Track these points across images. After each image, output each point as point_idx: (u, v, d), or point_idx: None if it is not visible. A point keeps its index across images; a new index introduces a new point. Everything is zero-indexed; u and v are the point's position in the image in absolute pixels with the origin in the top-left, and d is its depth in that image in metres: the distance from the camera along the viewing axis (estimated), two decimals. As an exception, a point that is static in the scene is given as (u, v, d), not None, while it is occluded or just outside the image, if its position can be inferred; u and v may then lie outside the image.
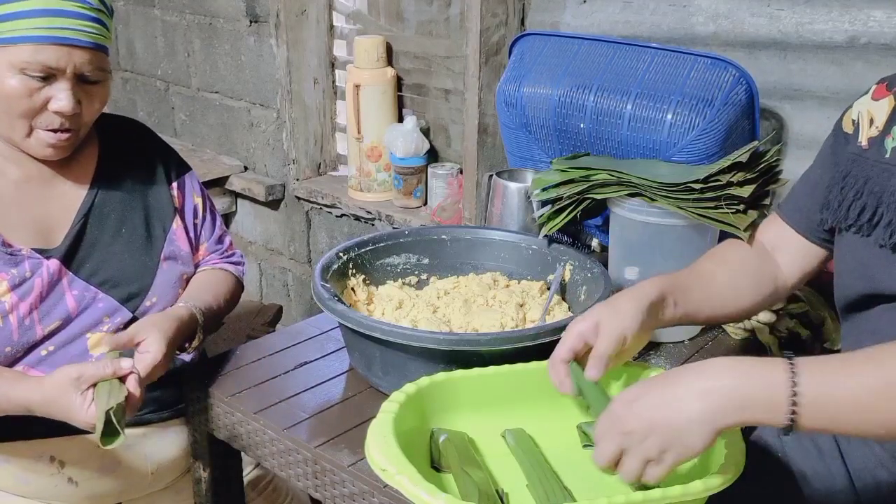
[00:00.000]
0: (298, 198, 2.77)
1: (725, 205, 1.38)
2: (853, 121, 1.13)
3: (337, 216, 2.68)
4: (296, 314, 2.96)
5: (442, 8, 2.38)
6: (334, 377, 1.36)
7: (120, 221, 1.41)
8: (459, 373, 1.14)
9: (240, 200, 3.02)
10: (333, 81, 2.74)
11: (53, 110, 1.26)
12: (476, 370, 1.15)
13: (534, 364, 1.17)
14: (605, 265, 1.50)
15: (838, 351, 1.20)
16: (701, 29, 1.81)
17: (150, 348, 1.23)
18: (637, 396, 0.92)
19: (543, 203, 1.55)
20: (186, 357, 1.44)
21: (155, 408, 1.42)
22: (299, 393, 1.31)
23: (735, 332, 1.48)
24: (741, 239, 1.28)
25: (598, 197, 1.49)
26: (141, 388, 1.19)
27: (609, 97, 1.58)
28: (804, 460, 1.14)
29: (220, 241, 1.56)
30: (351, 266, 1.45)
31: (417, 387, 1.10)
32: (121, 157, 1.44)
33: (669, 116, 1.52)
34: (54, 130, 1.28)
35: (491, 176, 1.71)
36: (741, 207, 1.39)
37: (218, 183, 2.89)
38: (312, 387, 1.32)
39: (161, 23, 3.12)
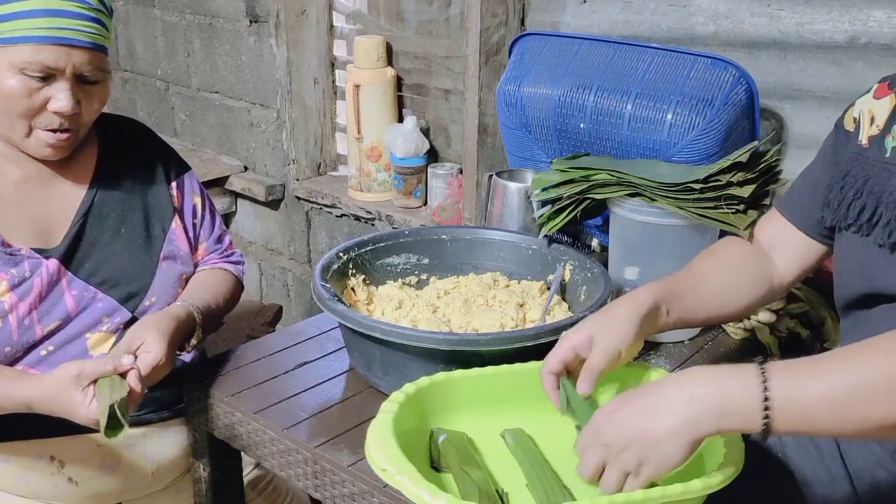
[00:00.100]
0: (298, 198, 2.77)
1: (725, 205, 1.38)
2: (854, 119, 1.12)
3: (337, 216, 2.68)
4: (296, 314, 2.96)
5: (442, 8, 2.38)
6: (334, 377, 1.36)
7: (119, 221, 1.41)
8: (458, 373, 1.14)
9: (240, 200, 3.02)
10: (333, 81, 2.74)
11: (53, 110, 1.26)
12: (475, 370, 1.15)
13: (532, 364, 1.17)
14: (605, 265, 1.49)
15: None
16: (701, 29, 1.81)
17: (151, 348, 1.23)
18: (616, 408, 0.93)
19: (543, 203, 1.55)
20: (186, 357, 1.44)
21: (155, 408, 1.42)
22: (299, 393, 1.31)
23: (735, 332, 1.48)
24: (739, 236, 1.28)
25: (598, 197, 1.49)
26: (142, 384, 1.20)
27: (609, 97, 1.58)
28: (804, 460, 1.13)
29: (219, 240, 1.56)
30: (351, 266, 1.45)
31: (417, 387, 1.10)
32: (120, 156, 1.44)
33: (669, 116, 1.52)
34: (53, 130, 1.28)
35: (491, 176, 1.71)
36: (741, 207, 1.39)
37: (218, 183, 2.89)
38: (312, 387, 1.32)
39: (161, 23, 3.12)
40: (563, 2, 2.01)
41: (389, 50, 2.50)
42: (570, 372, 1.10)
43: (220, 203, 2.95)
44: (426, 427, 1.11)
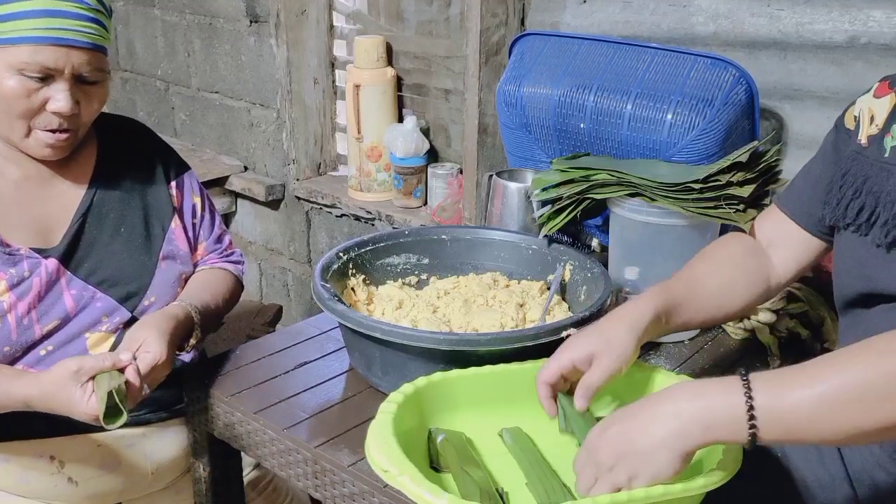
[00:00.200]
0: (298, 198, 2.77)
1: (726, 204, 1.38)
2: (855, 117, 1.12)
3: (337, 216, 2.68)
4: (296, 314, 2.96)
5: (442, 8, 2.38)
6: (334, 377, 1.36)
7: (118, 221, 1.41)
8: (456, 372, 1.15)
9: (240, 200, 3.03)
10: (333, 81, 2.74)
11: (52, 111, 1.26)
12: (472, 370, 1.15)
13: (530, 363, 1.17)
14: (605, 265, 1.49)
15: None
16: (701, 29, 1.81)
17: (150, 348, 1.23)
18: (607, 426, 0.94)
19: (543, 203, 1.55)
20: (186, 357, 1.44)
21: (155, 408, 1.42)
22: (299, 393, 1.31)
23: (735, 332, 1.48)
24: (742, 231, 1.28)
25: (598, 197, 1.49)
26: (142, 381, 1.20)
27: (609, 97, 1.58)
28: (803, 461, 1.13)
29: (219, 240, 1.56)
30: (351, 266, 1.45)
31: (415, 387, 1.10)
32: (119, 156, 1.44)
33: (669, 116, 1.52)
34: (53, 131, 1.28)
35: (491, 176, 1.71)
36: (741, 207, 1.39)
37: (218, 183, 2.89)
38: (312, 387, 1.32)
39: (161, 23, 3.12)
40: (563, 2, 2.01)
41: (389, 50, 2.50)
42: (565, 379, 1.10)
43: (220, 203, 2.95)
44: (424, 427, 1.11)
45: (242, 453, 1.40)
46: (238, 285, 1.56)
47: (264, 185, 2.80)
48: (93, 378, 1.17)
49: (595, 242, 1.79)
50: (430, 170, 2.43)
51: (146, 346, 1.24)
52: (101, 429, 1.36)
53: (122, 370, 1.19)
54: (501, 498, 1.01)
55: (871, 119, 1.09)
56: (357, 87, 2.44)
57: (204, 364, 1.43)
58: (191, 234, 1.50)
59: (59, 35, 1.22)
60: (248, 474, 1.58)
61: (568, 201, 1.51)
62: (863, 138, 1.09)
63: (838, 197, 1.09)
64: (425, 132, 2.46)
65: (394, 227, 2.44)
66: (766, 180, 1.45)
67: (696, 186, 1.38)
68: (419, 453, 1.07)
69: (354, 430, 1.20)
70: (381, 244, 1.51)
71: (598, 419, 1.05)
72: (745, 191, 1.38)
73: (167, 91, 3.22)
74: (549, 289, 1.47)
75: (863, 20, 1.61)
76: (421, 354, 1.19)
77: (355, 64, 2.47)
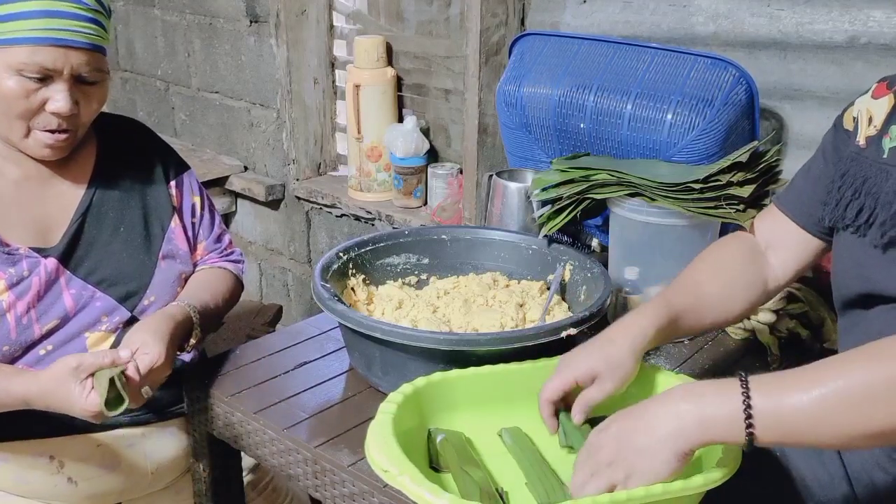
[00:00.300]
0: (298, 198, 2.77)
1: (726, 204, 1.38)
2: (854, 118, 1.12)
3: (337, 216, 2.68)
4: (296, 314, 2.96)
5: (442, 8, 2.38)
6: (334, 377, 1.36)
7: (118, 220, 1.41)
8: (455, 372, 1.15)
9: (240, 200, 3.03)
10: (333, 81, 2.74)
11: (51, 111, 1.26)
12: (472, 369, 1.15)
13: (529, 363, 1.17)
14: (605, 265, 1.49)
15: (836, 351, 1.20)
16: (701, 29, 1.81)
17: (149, 349, 1.23)
18: (609, 425, 0.95)
19: (543, 203, 1.55)
20: (186, 356, 1.44)
21: (155, 408, 1.42)
22: (299, 393, 1.31)
23: (735, 332, 1.48)
24: (744, 229, 1.28)
25: (598, 197, 1.49)
26: (142, 379, 1.20)
27: (609, 97, 1.58)
28: (803, 460, 1.13)
29: (218, 239, 1.56)
30: (351, 266, 1.45)
31: (414, 387, 1.10)
32: (119, 156, 1.44)
33: (669, 116, 1.52)
34: (52, 131, 1.28)
35: (491, 176, 1.71)
36: (741, 207, 1.39)
37: (218, 183, 2.89)
38: (312, 387, 1.32)
39: (161, 23, 3.12)
40: (563, 2, 2.01)
41: (389, 50, 2.50)
42: (565, 394, 1.11)
43: (220, 203, 2.95)
44: (424, 427, 1.11)
45: (242, 453, 1.40)
46: (238, 284, 1.56)
47: (264, 185, 2.80)
48: (92, 375, 1.17)
49: (595, 242, 1.79)
50: (430, 170, 2.43)
51: (144, 349, 1.23)
52: (101, 428, 1.37)
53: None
54: (501, 498, 1.01)
55: (870, 120, 1.09)
56: (357, 87, 2.44)
57: (204, 364, 1.43)
58: (190, 233, 1.50)
59: (57, 36, 1.22)
60: (248, 475, 1.58)
61: (568, 201, 1.51)
62: (861, 139, 1.09)
63: (837, 198, 1.09)
64: (425, 132, 2.46)
65: (394, 227, 2.44)
66: (766, 180, 1.45)
67: (696, 186, 1.38)
68: (419, 453, 1.07)
69: (354, 430, 1.20)
70: (381, 244, 1.51)
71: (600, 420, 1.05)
72: (745, 191, 1.38)
73: (167, 91, 3.22)
74: (548, 289, 1.47)
75: (863, 20, 1.61)
76: (421, 354, 1.19)
77: (355, 64, 2.47)
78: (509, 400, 1.16)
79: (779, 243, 1.22)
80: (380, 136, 2.47)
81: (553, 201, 1.53)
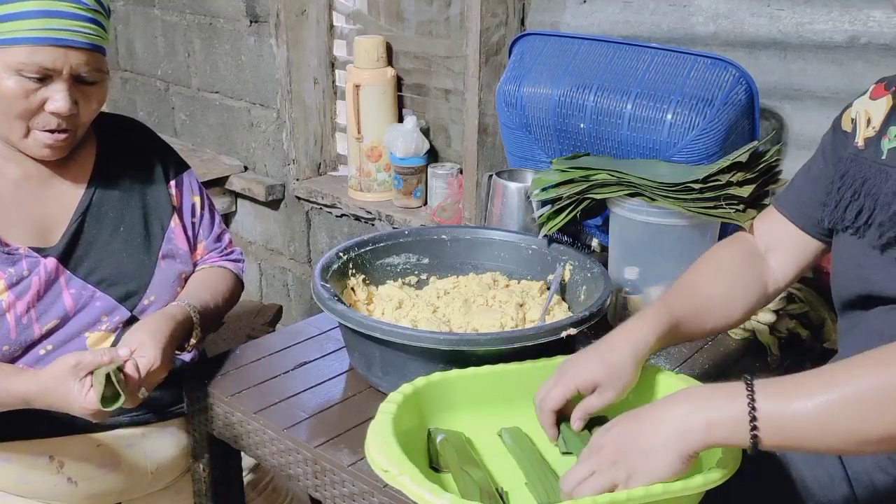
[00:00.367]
0: (298, 198, 2.77)
1: (726, 204, 1.38)
2: (852, 119, 1.12)
3: (337, 216, 2.68)
4: (296, 314, 2.96)
5: (442, 8, 2.38)
6: (334, 377, 1.36)
7: (118, 220, 1.41)
8: (455, 372, 1.15)
9: (240, 200, 3.03)
10: (333, 81, 2.74)
11: (50, 111, 1.26)
12: (471, 369, 1.15)
13: (529, 363, 1.17)
14: (605, 265, 1.49)
15: (836, 351, 1.20)
16: (701, 29, 1.81)
17: (146, 352, 1.23)
18: (613, 425, 0.96)
19: (543, 203, 1.55)
20: (186, 356, 1.44)
21: (155, 408, 1.42)
22: (299, 393, 1.30)
23: (735, 332, 1.48)
24: (744, 229, 1.28)
25: (598, 197, 1.49)
26: (140, 378, 1.20)
27: (609, 97, 1.58)
28: (803, 462, 1.13)
29: (218, 239, 1.56)
30: (351, 266, 1.45)
31: (414, 387, 1.10)
32: (119, 155, 1.44)
33: (669, 116, 1.52)
34: (51, 131, 1.28)
35: (491, 176, 1.71)
36: (741, 207, 1.39)
37: (218, 183, 2.89)
38: (312, 387, 1.32)
39: (161, 23, 3.12)
40: (563, 2, 2.01)
41: (389, 50, 2.50)
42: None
43: (220, 203, 2.95)
44: (424, 427, 1.11)
45: (242, 453, 1.40)
46: (238, 284, 1.56)
47: (264, 185, 2.80)
48: (91, 373, 1.17)
49: (595, 242, 1.79)
50: (430, 170, 2.43)
51: (141, 351, 1.23)
52: (101, 428, 1.37)
53: (119, 367, 1.19)
54: (501, 498, 1.01)
55: (868, 121, 1.09)
56: (357, 87, 2.44)
57: (204, 364, 1.43)
58: (190, 233, 1.50)
59: (56, 35, 1.22)
60: (248, 474, 1.58)
61: (568, 201, 1.51)
62: (860, 141, 1.09)
63: (837, 199, 1.09)
64: (425, 132, 2.46)
65: (394, 227, 2.44)
66: (766, 180, 1.45)
67: (696, 186, 1.38)
68: (419, 453, 1.07)
69: (354, 430, 1.20)
70: (381, 244, 1.51)
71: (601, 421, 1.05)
72: (745, 191, 1.38)
73: (167, 91, 3.22)
74: (548, 289, 1.47)
75: (863, 20, 1.61)
76: (421, 354, 1.19)
77: (355, 64, 2.47)
78: (509, 400, 1.16)
79: (778, 245, 1.22)
80: (380, 136, 2.47)
81: (553, 201, 1.53)
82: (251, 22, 2.74)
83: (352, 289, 1.44)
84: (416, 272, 1.54)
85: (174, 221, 1.46)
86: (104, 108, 1.38)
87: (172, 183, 1.48)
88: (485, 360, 1.17)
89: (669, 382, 1.13)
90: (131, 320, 1.37)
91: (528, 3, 2.08)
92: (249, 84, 2.84)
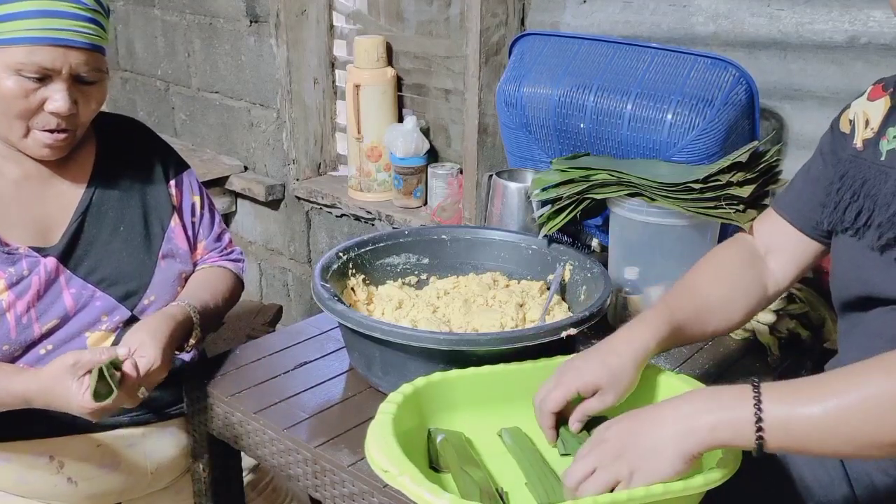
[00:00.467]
0: (298, 198, 2.77)
1: (726, 204, 1.38)
2: (850, 121, 1.12)
3: (337, 216, 2.68)
4: (296, 314, 2.96)
5: (442, 8, 2.38)
6: (334, 377, 1.36)
7: (118, 219, 1.41)
8: (455, 372, 1.14)
9: (240, 200, 3.03)
10: (333, 81, 2.74)
11: (49, 111, 1.26)
12: (471, 369, 1.15)
13: (529, 363, 1.17)
14: (605, 265, 1.49)
15: (836, 351, 1.20)
16: (701, 29, 1.81)
17: (146, 352, 1.23)
18: (616, 421, 0.96)
19: (543, 203, 1.55)
20: (186, 356, 1.44)
21: (155, 408, 1.42)
22: (299, 393, 1.30)
23: (735, 332, 1.47)
24: (743, 231, 1.28)
25: (598, 197, 1.49)
26: (139, 376, 1.20)
27: (609, 97, 1.58)
28: (803, 462, 1.13)
29: (218, 238, 1.56)
30: (351, 266, 1.45)
31: (414, 387, 1.10)
32: (118, 155, 1.44)
33: (669, 116, 1.52)
34: (51, 131, 1.28)
35: (491, 176, 1.71)
36: (741, 207, 1.39)
37: (218, 183, 2.89)
38: (312, 387, 1.32)
39: (161, 23, 3.12)
40: (563, 2, 2.01)
41: (389, 50, 2.50)
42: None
43: (220, 203, 2.95)
44: (424, 427, 1.11)
45: (242, 453, 1.40)
46: (238, 283, 1.56)
47: (264, 185, 2.80)
48: (90, 372, 1.17)
49: (595, 242, 1.79)
50: (430, 170, 2.43)
51: (141, 350, 1.23)
52: (101, 428, 1.37)
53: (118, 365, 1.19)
54: (501, 498, 1.01)
55: (866, 123, 1.09)
56: (357, 87, 2.44)
57: (204, 364, 1.43)
58: (190, 232, 1.50)
59: (55, 35, 1.22)
60: (248, 475, 1.58)
61: (568, 201, 1.51)
62: (858, 142, 1.09)
63: (836, 200, 1.09)
64: (425, 132, 2.46)
65: (394, 227, 2.44)
66: (766, 180, 1.45)
67: (696, 186, 1.38)
68: (419, 453, 1.07)
69: (354, 430, 1.20)
70: (381, 244, 1.51)
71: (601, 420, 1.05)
72: (745, 191, 1.38)
73: (167, 91, 3.22)
74: (548, 289, 1.47)
75: (863, 20, 1.61)
76: (421, 354, 1.19)
77: (355, 64, 2.47)
78: (509, 400, 1.16)
79: (778, 248, 1.22)
80: (380, 136, 2.47)
81: (553, 201, 1.53)
82: (251, 22, 2.74)
83: (352, 289, 1.44)
84: (416, 272, 1.54)
85: (174, 221, 1.46)
86: (104, 108, 1.38)
87: (172, 182, 1.48)
88: (485, 360, 1.17)
89: (670, 383, 1.13)
90: (131, 320, 1.37)
91: (528, 3, 2.08)
92: (249, 84, 2.84)
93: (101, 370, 1.15)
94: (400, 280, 1.51)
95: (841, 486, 1.12)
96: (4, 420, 1.27)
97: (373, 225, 2.54)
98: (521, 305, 1.41)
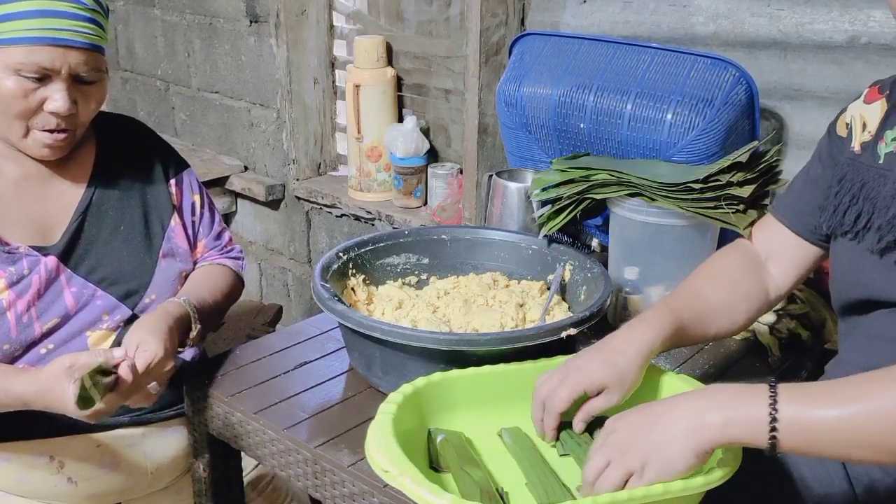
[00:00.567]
0: (298, 198, 2.77)
1: (726, 204, 1.38)
2: (847, 124, 1.12)
3: (337, 216, 2.68)
4: (296, 314, 2.96)
5: (442, 8, 2.38)
6: (334, 377, 1.36)
7: (118, 219, 1.41)
8: (455, 372, 1.14)
9: (240, 200, 3.03)
10: (333, 81, 2.74)
11: (49, 111, 1.26)
12: (472, 369, 1.15)
13: (529, 363, 1.17)
14: (605, 265, 1.49)
15: (836, 352, 1.20)
16: (701, 29, 1.81)
17: (147, 347, 1.23)
18: (629, 413, 0.96)
19: (543, 203, 1.55)
20: (187, 355, 1.44)
21: (155, 408, 1.42)
22: (299, 393, 1.30)
23: (735, 332, 1.48)
24: (742, 236, 1.28)
25: (598, 197, 1.49)
26: (140, 377, 1.19)
27: (609, 97, 1.58)
28: (803, 461, 1.13)
29: (218, 237, 1.56)
30: (351, 266, 1.45)
31: (414, 387, 1.10)
32: (118, 154, 1.44)
33: (669, 116, 1.52)
34: (51, 131, 1.28)
35: (491, 176, 1.71)
36: (741, 207, 1.39)
37: (218, 183, 2.89)
38: (312, 387, 1.32)
39: (161, 23, 3.12)
40: (563, 2, 2.01)
41: (389, 50, 2.50)
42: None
43: (221, 203, 2.95)
44: (424, 427, 1.11)
45: (242, 453, 1.40)
46: (238, 280, 1.56)
47: (264, 185, 2.80)
48: None
49: (595, 242, 1.79)
50: (430, 170, 2.43)
51: (143, 346, 1.23)
52: (101, 428, 1.37)
53: (115, 366, 1.18)
54: (501, 498, 1.01)
55: (864, 126, 1.09)
56: (357, 87, 2.44)
57: (204, 364, 1.43)
58: (190, 231, 1.50)
59: (55, 35, 1.22)
60: (248, 474, 1.58)
61: (568, 201, 1.51)
62: (856, 146, 1.09)
63: (835, 203, 1.09)
64: (425, 132, 2.46)
65: (394, 227, 2.44)
66: (766, 180, 1.45)
67: (696, 186, 1.38)
68: (419, 453, 1.07)
69: (354, 430, 1.20)
70: (381, 244, 1.51)
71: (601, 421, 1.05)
72: (745, 191, 1.38)
73: (167, 91, 3.22)
74: (549, 289, 1.47)
75: (863, 20, 1.61)
76: (421, 354, 1.19)
77: (355, 64, 2.47)
78: (509, 400, 1.16)
79: (778, 253, 1.22)
80: (380, 136, 2.47)
81: (553, 201, 1.53)
82: (251, 22, 2.74)
83: (352, 289, 1.44)
84: (416, 272, 1.54)
85: (174, 220, 1.46)
86: (104, 108, 1.38)
87: (172, 182, 1.48)
88: (485, 360, 1.17)
89: (670, 383, 1.13)
90: (132, 319, 1.37)
91: (528, 3, 2.08)
92: (249, 84, 2.84)
93: (81, 379, 1.13)
94: (400, 280, 1.51)
95: (841, 485, 1.12)
96: (4, 420, 1.27)
97: (373, 225, 2.54)
98: (522, 305, 1.41)
